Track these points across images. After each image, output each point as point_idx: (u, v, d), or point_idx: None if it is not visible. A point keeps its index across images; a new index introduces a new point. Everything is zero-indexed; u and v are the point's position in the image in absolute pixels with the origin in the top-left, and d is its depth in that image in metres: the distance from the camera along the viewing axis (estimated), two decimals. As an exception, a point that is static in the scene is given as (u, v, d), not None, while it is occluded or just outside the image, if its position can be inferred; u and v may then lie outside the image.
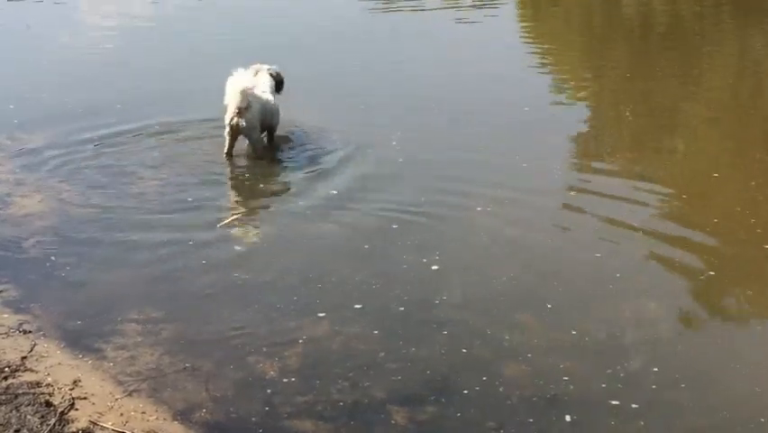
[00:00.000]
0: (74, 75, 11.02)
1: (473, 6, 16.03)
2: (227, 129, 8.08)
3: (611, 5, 16.90)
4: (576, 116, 9.57)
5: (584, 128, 9.25)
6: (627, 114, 9.71)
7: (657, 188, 7.39)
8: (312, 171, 7.87)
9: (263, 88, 8.39)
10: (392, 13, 15.58)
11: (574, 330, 5.21)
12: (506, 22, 14.87)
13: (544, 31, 15.04)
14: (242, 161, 8.21)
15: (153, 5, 16.14)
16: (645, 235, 6.46)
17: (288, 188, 7.65)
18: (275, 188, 7.74)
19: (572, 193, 7.34)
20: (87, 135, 8.67)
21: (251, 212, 7.23)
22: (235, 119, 8.00)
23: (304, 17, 14.84)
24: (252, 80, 8.25)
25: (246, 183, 7.84)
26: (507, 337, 5.15)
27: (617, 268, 5.99)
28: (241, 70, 8.07)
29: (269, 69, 8.66)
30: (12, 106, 9.58)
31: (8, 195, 7.28)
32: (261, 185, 7.76)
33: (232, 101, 7.98)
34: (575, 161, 8.25)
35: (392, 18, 15.13)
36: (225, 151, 8.15)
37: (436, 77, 10.96)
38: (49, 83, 10.57)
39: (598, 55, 13.02)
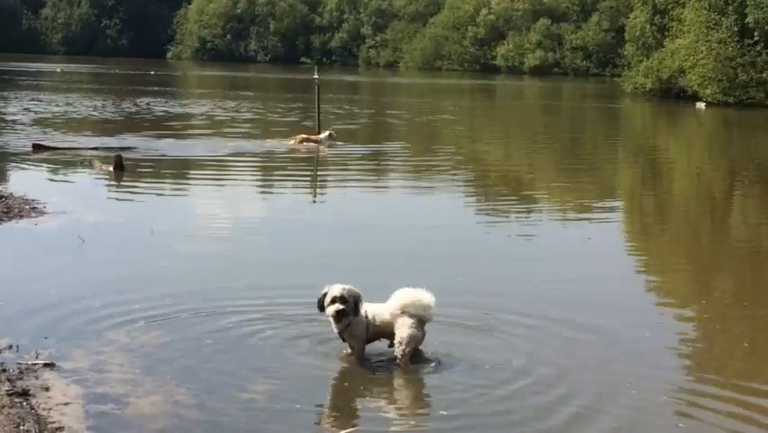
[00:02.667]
0: (195, 277, 11.38)
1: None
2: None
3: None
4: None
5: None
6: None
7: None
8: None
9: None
10: (500, 225, 15.92)
11: None
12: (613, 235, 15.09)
13: (650, 248, 15.09)
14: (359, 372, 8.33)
15: (266, 206, 16.88)
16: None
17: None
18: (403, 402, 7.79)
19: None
20: (206, 336, 8.95)
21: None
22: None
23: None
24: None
25: (366, 395, 7.89)
26: None
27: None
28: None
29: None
30: (137, 306, 9.92)
31: (125, 395, 7.49)
32: (383, 398, 7.82)
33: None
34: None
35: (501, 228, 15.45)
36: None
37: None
38: (172, 284, 10.92)
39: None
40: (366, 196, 19.26)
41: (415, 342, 8.37)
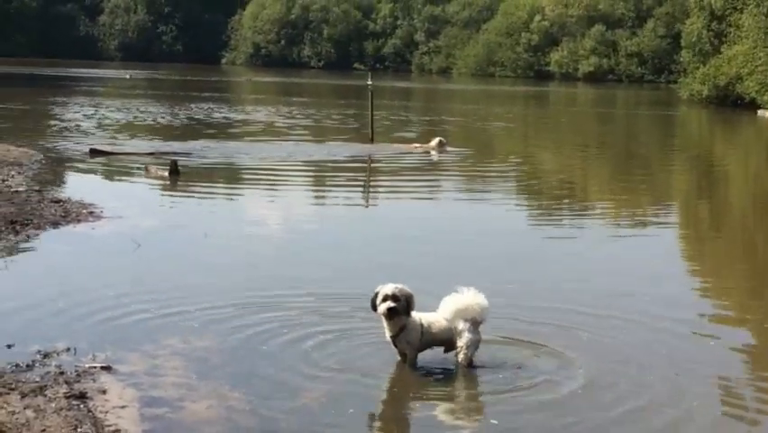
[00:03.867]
0: (250, 281, 11.43)
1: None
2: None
3: None
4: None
5: None
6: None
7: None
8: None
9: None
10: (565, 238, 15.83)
11: None
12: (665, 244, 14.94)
13: (705, 255, 14.89)
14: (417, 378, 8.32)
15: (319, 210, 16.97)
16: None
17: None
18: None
19: None
20: (261, 342, 9.00)
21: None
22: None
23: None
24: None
25: (419, 403, 7.87)
26: None
27: None
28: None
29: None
30: (191, 310, 10.00)
31: (180, 399, 7.55)
32: (436, 407, 7.81)
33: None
34: None
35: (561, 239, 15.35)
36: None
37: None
38: (227, 289, 10.98)
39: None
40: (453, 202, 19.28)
41: (476, 345, 8.42)
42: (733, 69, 56.76)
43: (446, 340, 8.53)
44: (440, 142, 27.39)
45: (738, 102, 56.51)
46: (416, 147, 27.64)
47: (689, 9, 69.06)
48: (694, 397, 7.94)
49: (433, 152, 26.94)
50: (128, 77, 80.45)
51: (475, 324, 8.42)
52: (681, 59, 69.50)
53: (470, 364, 8.41)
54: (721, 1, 59.47)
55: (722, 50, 59.87)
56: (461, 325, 8.40)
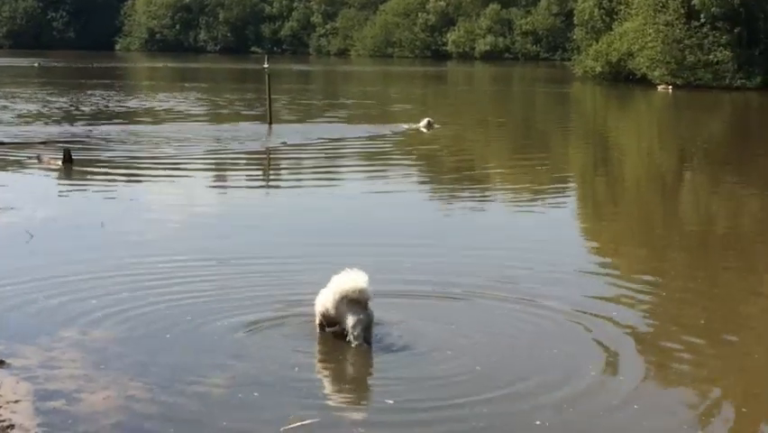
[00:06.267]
0: (148, 271, 11.23)
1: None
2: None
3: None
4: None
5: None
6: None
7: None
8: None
9: None
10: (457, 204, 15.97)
11: None
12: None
13: (604, 232, 15.21)
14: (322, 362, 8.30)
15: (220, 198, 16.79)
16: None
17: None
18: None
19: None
20: (163, 330, 8.86)
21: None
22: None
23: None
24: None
25: (320, 388, 7.87)
26: None
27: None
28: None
29: None
30: (94, 301, 9.78)
31: (77, 391, 7.38)
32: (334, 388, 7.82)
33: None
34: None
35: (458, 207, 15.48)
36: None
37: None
38: (125, 278, 10.78)
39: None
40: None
41: (362, 325, 8.39)
42: (624, 46, 57.96)
43: (336, 321, 8.62)
44: (428, 122, 29.23)
45: (630, 77, 57.76)
46: (405, 127, 29.56)
47: (581, -13, 70.18)
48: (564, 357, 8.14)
49: (423, 130, 28.73)
50: (36, 65, 77.54)
51: (360, 304, 8.40)
52: (575, 37, 70.62)
53: (357, 343, 8.38)
54: (612, -21, 60.75)
55: (613, 27, 61.06)
56: (343, 306, 8.43)
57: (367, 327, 8.45)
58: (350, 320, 8.40)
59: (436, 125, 29.32)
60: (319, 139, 26.03)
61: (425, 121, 29.36)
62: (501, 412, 7.21)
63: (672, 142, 30.40)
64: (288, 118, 32.59)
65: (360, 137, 27.15)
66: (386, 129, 29.30)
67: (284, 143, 24.63)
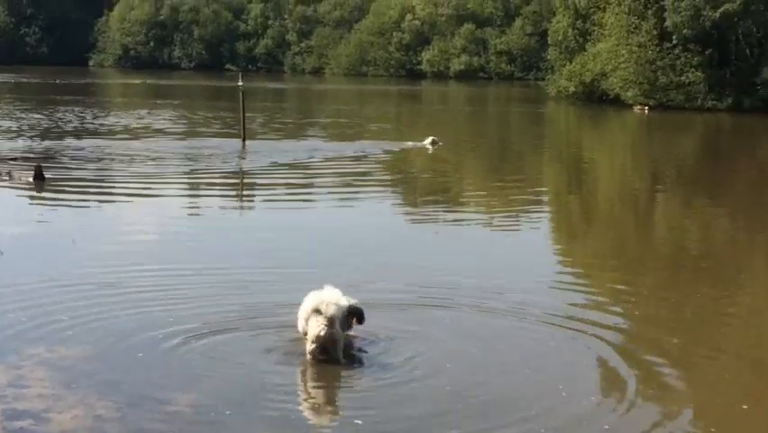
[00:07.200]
0: (120, 288, 11.12)
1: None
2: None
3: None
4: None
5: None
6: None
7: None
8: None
9: None
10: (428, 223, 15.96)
11: None
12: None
13: (578, 253, 15.25)
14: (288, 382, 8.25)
15: (195, 219, 16.69)
16: None
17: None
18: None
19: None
20: (133, 349, 8.76)
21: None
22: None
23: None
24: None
25: (292, 406, 7.79)
26: None
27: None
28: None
29: None
30: (64, 319, 9.68)
31: (45, 411, 7.28)
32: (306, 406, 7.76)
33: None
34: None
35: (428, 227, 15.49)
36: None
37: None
38: (96, 296, 10.66)
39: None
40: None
41: (320, 341, 8.39)
42: (598, 66, 58.33)
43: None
44: (433, 140, 29.67)
45: (604, 98, 58.12)
46: (410, 145, 29.85)
47: (554, 8, 70.62)
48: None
49: (428, 148, 29.16)
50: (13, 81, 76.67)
51: (327, 319, 8.38)
52: (549, 57, 71.01)
53: (309, 357, 8.44)
54: (585, 0, 61.12)
55: (587, 47, 61.45)
56: (311, 319, 8.47)
57: (325, 343, 8.42)
58: (309, 335, 8.45)
59: (440, 143, 29.73)
60: (311, 158, 26.02)
61: (429, 139, 29.78)
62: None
63: (645, 162, 30.57)
64: (273, 137, 32.58)
65: (345, 156, 27.04)
66: (393, 146, 29.77)
67: (274, 163, 24.59)
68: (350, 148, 29.04)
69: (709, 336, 10.08)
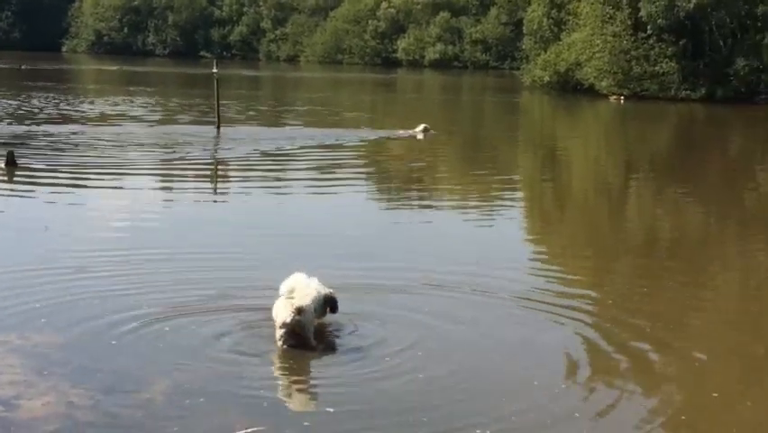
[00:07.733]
0: (94, 275, 11.06)
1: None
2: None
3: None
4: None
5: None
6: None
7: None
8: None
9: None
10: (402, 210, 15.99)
11: None
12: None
13: (552, 241, 15.32)
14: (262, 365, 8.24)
15: (167, 207, 16.61)
16: None
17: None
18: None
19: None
20: (108, 336, 8.73)
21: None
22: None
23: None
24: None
25: (267, 394, 7.78)
26: None
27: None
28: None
29: None
30: (37, 306, 9.61)
31: (16, 397, 7.24)
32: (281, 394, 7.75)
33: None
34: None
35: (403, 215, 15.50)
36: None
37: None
38: (68, 283, 10.60)
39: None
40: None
41: (287, 327, 8.43)
42: (572, 56, 58.46)
43: None
44: (425, 128, 29.54)
45: (578, 87, 58.27)
46: (402, 133, 29.64)
47: (530, -3, 70.72)
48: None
49: (419, 136, 29.02)
50: (22, 67, 75.01)
51: (295, 308, 8.42)
52: (524, 46, 71.07)
53: (283, 343, 8.47)
54: (560, -11, 61.32)
55: (562, 37, 61.58)
56: (281, 307, 8.55)
57: (293, 330, 8.44)
58: (277, 322, 8.53)
59: (432, 131, 29.68)
60: (301, 147, 25.94)
61: (421, 127, 29.67)
62: (442, 419, 7.21)
63: (619, 151, 30.73)
64: (249, 123, 32.50)
65: (321, 144, 26.98)
66: (384, 134, 29.94)
67: (256, 150, 24.52)
68: (328, 136, 28.86)
69: (681, 323, 10.16)
